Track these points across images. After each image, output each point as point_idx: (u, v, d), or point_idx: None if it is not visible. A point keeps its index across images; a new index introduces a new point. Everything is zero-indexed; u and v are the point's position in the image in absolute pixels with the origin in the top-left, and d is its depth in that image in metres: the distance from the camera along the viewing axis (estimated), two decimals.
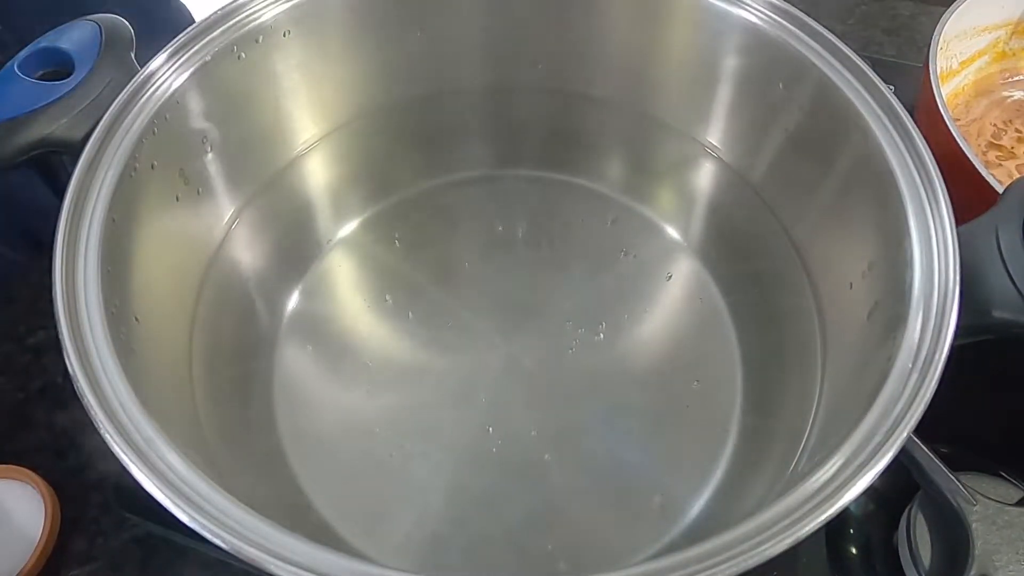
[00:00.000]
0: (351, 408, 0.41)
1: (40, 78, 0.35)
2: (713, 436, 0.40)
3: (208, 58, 0.36)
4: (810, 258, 0.40)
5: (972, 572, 0.32)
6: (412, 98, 0.46)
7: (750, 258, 0.43)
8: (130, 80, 0.35)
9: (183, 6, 0.61)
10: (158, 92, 0.35)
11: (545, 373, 0.42)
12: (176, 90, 0.35)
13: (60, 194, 0.31)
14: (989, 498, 0.33)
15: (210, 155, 0.39)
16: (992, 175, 0.40)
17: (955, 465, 0.32)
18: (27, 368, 0.45)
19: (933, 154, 0.32)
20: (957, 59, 0.53)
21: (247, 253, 0.42)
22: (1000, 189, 0.38)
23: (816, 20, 0.37)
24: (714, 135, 0.44)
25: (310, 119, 0.44)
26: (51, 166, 0.43)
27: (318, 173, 0.46)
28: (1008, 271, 0.29)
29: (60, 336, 0.28)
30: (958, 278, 0.29)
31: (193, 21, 0.43)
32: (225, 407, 0.37)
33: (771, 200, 0.42)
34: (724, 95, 0.42)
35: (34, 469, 0.40)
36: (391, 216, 0.47)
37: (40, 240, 0.49)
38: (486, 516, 0.38)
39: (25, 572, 0.38)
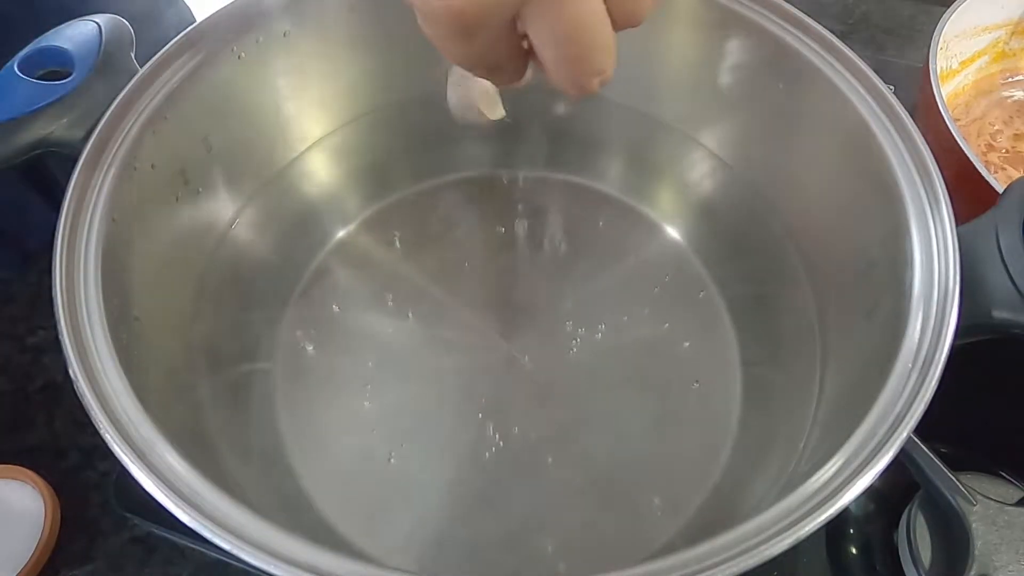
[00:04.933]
0: (351, 408, 0.41)
1: (40, 78, 0.35)
2: (713, 436, 0.40)
3: (208, 58, 0.36)
4: (810, 257, 0.40)
5: (972, 572, 0.32)
6: (412, 98, 0.46)
7: (750, 258, 0.43)
8: (130, 80, 0.35)
9: (185, 6, 0.61)
10: (158, 92, 0.35)
11: (545, 373, 0.42)
12: (176, 90, 0.35)
13: (51, 202, 0.31)
14: (989, 498, 0.33)
15: (210, 155, 0.39)
16: (992, 175, 0.40)
17: (955, 465, 0.32)
18: (27, 368, 0.45)
19: (933, 154, 0.32)
20: (957, 59, 0.53)
21: (247, 253, 0.42)
22: (1000, 189, 0.38)
23: (816, 20, 0.37)
24: (714, 135, 0.44)
25: (310, 119, 0.44)
26: (42, 173, 0.43)
27: (318, 173, 0.46)
28: (1008, 271, 0.29)
29: (60, 336, 0.28)
30: (958, 278, 0.29)
31: (194, 21, 0.43)
32: (225, 407, 0.37)
33: (771, 200, 0.42)
34: (724, 95, 0.42)
35: (34, 469, 0.40)
36: (391, 216, 0.47)
37: (26, 250, 0.49)
38: (486, 516, 0.38)
39: (25, 572, 0.38)
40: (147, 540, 0.40)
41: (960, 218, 0.31)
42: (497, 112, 0.38)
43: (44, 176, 0.44)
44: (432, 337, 0.43)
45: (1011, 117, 0.55)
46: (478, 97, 0.37)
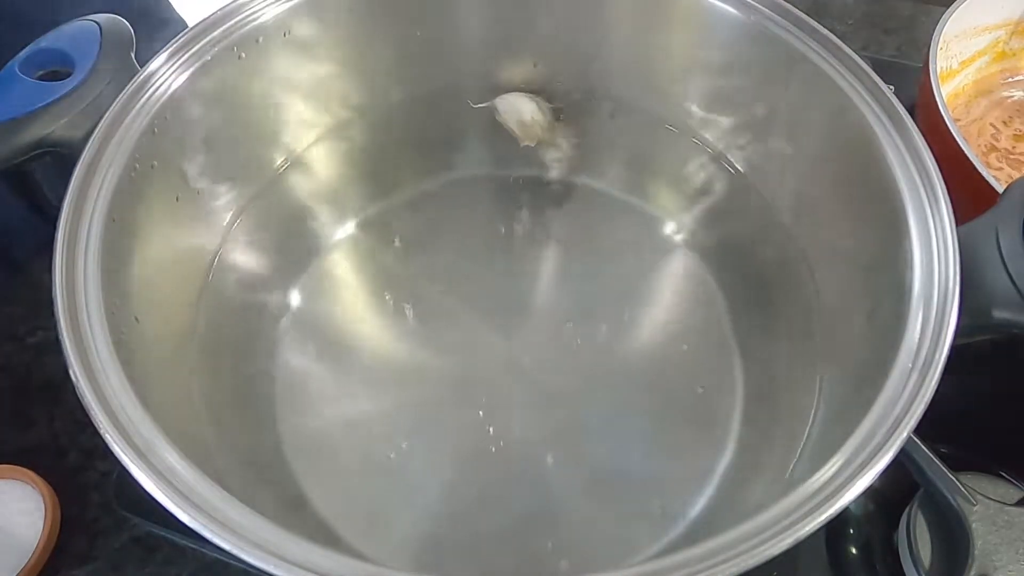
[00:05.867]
0: (351, 408, 0.41)
1: (40, 78, 0.35)
2: (713, 436, 0.39)
3: (208, 58, 0.36)
4: (810, 258, 0.40)
5: (972, 572, 0.32)
6: (412, 98, 0.46)
7: (750, 257, 0.43)
8: (130, 80, 0.35)
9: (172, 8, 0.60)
10: (158, 92, 0.35)
11: (545, 373, 0.42)
12: (176, 90, 0.35)
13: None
14: (989, 498, 0.33)
15: (210, 155, 0.39)
16: (992, 175, 0.40)
17: (955, 465, 0.32)
18: (27, 368, 0.45)
19: (933, 154, 0.32)
20: (957, 59, 0.53)
21: (247, 253, 0.42)
22: (1000, 189, 0.38)
23: (816, 20, 0.37)
24: (714, 134, 0.44)
25: (310, 119, 0.44)
26: (28, 181, 0.43)
27: (318, 173, 0.46)
28: (1008, 271, 0.29)
29: (60, 336, 0.28)
30: (958, 278, 0.29)
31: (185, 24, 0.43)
32: (225, 407, 0.37)
33: (771, 200, 0.42)
34: (724, 94, 0.42)
35: (34, 469, 0.40)
36: (391, 216, 0.47)
37: (12, 260, 0.49)
38: (486, 516, 0.38)
39: (25, 572, 0.38)
40: (147, 540, 0.40)
41: (960, 218, 0.31)
42: (529, 139, 0.43)
43: (30, 185, 0.43)
44: (432, 337, 0.43)
45: (1011, 117, 0.55)
46: (520, 117, 0.41)
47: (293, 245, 0.45)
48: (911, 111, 0.34)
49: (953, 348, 0.28)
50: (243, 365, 0.41)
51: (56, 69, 0.35)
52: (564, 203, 0.48)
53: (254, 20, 0.38)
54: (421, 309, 0.44)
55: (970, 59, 0.54)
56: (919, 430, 0.26)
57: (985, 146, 0.53)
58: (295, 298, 0.44)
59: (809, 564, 0.38)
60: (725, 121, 0.43)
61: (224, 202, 0.41)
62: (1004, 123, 0.54)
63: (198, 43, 0.36)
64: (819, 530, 0.24)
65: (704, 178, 0.46)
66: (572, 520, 0.38)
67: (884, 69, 0.36)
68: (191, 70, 0.36)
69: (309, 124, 0.44)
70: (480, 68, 0.46)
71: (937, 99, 0.43)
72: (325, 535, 0.36)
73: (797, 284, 0.40)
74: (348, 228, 0.46)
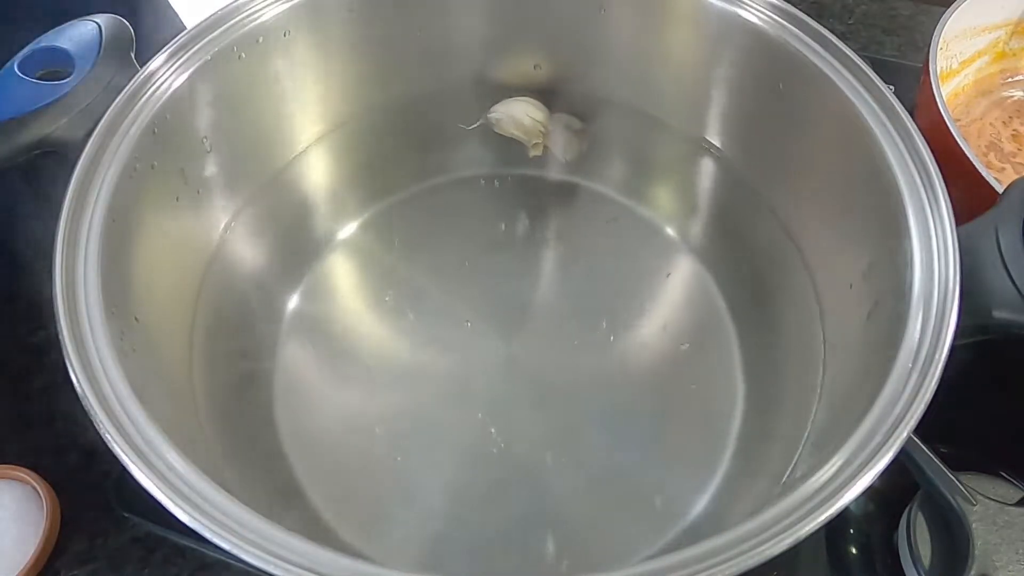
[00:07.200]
0: (351, 408, 0.41)
1: (40, 78, 0.35)
2: (713, 436, 0.40)
3: (208, 58, 0.36)
4: (810, 258, 0.40)
5: (972, 572, 0.32)
6: (412, 98, 0.46)
7: (750, 258, 0.43)
8: (130, 80, 0.35)
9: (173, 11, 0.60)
10: (158, 92, 0.35)
11: (545, 373, 0.42)
12: (176, 90, 0.35)
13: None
14: (989, 498, 0.33)
15: (210, 155, 0.39)
16: (992, 175, 0.40)
17: (955, 465, 0.32)
18: (27, 368, 0.45)
19: (933, 154, 0.32)
20: (957, 59, 0.53)
21: (247, 253, 0.42)
22: (1000, 189, 0.38)
23: (816, 20, 0.37)
24: (714, 135, 0.44)
25: (310, 119, 0.44)
26: (27, 179, 0.43)
27: (318, 173, 0.46)
28: (1008, 271, 0.29)
29: (60, 336, 0.28)
30: (958, 278, 0.29)
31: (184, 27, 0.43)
32: (225, 407, 0.37)
33: (771, 200, 0.42)
34: (724, 95, 0.42)
35: (34, 469, 0.40)
36: (391, 216, 0.47)
37: (13, 257, 0.48)
38: (486, 516, 0.38)
39: (25, 572, 0.38)
40: (147, 540, 0.40)
41: (960, 218, 0.31)
42: (536, 138, 0.43)
43: (30, 184, 0.43)
44: (432, 337, 0.43)
45: (1011, 117, 0.55)
46: (517, 120, 0.41)
47: (293, 245, 0.45)
48: (911, 111, 0.34)
49: (953, 348, 0.28)
50: (243, 365, 0.41)
51: (56, 69, 0.35)
52: (564, 203, 0.48)
53: (254, 20, 0.38)
54: (421, 309, 0.44)
55: (970, 59, 0.54)
56: (919, 430, 0.26)
57: (985, 146, 0.53)
58: (295, 298, 0.44)
59: (809, 564, 0.38)
60: (724, 122, 0.43)
61: (224, 202, 0.41)
62: (1004, 123, 0.54)
63: (198, 43, 0.36)
64: (819, 530, 0.24)
65: (702, 178, 0.46)
66: (572, 520, 0.38)
67: (884, 69, 0.36)
68: (191, 70, 0.36)
69: (310, 124, 0.44)
70: (481, 69, 0.46)
71: (937, 99, 0.43)
72: (325, 535, 0.36)
73: (796, 284, 0.40)
74: (348, 228, 0.46)
